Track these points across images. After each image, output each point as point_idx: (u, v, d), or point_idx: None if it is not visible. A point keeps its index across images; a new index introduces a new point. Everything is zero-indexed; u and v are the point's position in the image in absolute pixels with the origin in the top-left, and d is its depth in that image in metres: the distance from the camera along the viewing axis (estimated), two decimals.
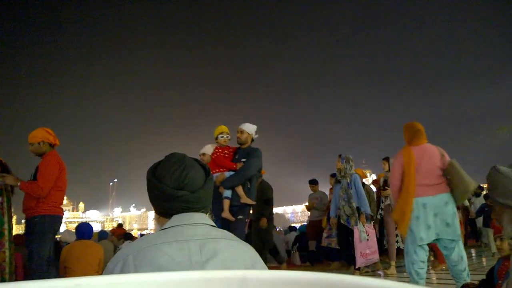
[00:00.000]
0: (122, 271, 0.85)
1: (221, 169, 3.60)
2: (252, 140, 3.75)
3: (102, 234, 7.31)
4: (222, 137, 3.76)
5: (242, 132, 3.71)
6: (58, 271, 3.75)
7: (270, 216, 5.40)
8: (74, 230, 4.49)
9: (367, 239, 4.62)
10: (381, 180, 5.44)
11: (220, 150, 3.71)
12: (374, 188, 6.38)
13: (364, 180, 6.31)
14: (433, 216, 3.01)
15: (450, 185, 3.09)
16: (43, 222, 3.18)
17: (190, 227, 0.95)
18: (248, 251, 0.97)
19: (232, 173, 3.59)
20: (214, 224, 1.02)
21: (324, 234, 5.69)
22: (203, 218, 1.01)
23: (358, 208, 4.67)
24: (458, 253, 2.99)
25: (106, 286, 0.42)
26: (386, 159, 5.28)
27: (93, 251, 3.73)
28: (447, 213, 3.01)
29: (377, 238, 5.48)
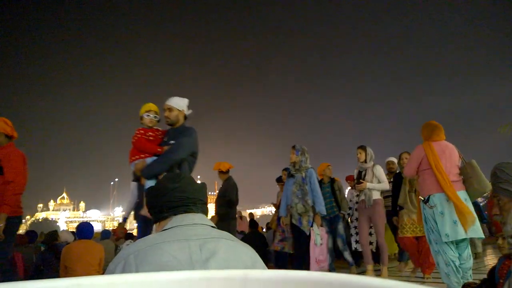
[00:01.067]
0: (124, 270, 0.86)
1: (143, 155, 2.92)
2: (185, 117, 3.06)
3: (105, 233, 7.30)
4: (148, 116, 3.05)
5: (170, 109, 2.99)
6: (58, 271, 3.75)
7: (232, 220, 4.83)
8: (74, 230, 4.47)
9: (321, 244, 4.07)
10: (355, 172, 4.70)
11: (142, 132, 3.01)
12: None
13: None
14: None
15: (464, 184, 3.04)
16: (16, 224, 3.02)
17: (190, 227, 0.97)
18: (248, 251, 0.98)
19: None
20: (214, 225, 1.04)
21: (278, 237, 5.01)
22: (203, 219, 1.03)
23: (313, 208, 4.09)
24: (468, 251, 2.98)
25: (107, 286, 0.42)
26: (362, 147, 4.58)
27: (93, 251, 3.72)
28: None
29: (349, 241, 5.14)
